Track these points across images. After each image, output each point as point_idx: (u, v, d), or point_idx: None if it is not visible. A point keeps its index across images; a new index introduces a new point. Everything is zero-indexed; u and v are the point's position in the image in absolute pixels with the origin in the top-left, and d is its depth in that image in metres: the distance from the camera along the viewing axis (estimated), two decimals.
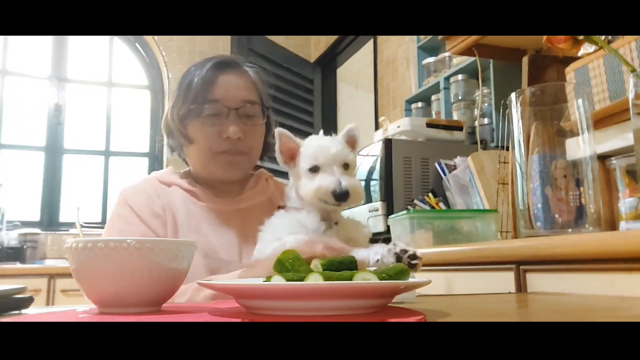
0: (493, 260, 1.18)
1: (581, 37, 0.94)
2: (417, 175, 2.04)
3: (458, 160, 1.98)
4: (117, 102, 3.99)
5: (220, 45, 3.92)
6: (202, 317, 0.53)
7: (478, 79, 2.15)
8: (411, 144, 2.08)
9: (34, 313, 0.61)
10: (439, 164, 2.01)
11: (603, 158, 1.18)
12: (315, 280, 0.52)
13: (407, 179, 2.03)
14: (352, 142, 0.89)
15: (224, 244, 1.01)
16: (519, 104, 1.19)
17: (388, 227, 1.82)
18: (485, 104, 2.22)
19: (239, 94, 1.03)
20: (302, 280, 0.53)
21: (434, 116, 2.54)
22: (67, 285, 2.93)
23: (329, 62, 4.04)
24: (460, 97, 2.35)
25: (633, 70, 0.89)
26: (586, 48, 1.28)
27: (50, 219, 3.67)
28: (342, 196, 0.80)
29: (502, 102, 1.32)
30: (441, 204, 1.96)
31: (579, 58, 1.28)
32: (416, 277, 0.71)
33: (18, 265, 3.15)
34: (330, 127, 3.95)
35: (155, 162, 3.96)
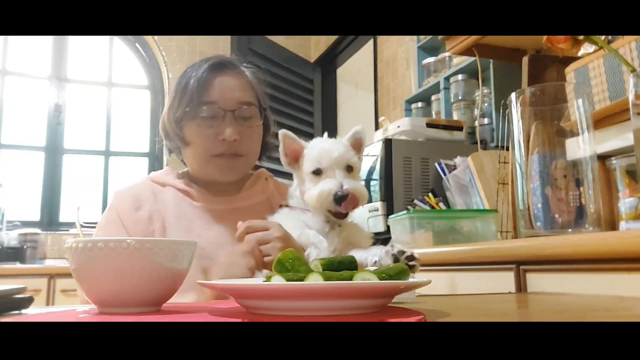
0: (493, 260, 1.18)
1: (581, 37, 0.94)
2: (417, 175, 2.04)
3: (458, 160, 1.98)
4: (117, 102, 3.99)
5: (220, 45, 3.92)
6: (202, 317, 0.53)
7: (478, 79, 2.15)
8: (411, 144, 2.08)
9: (34, 313, 0.61)
10: (439, 164, 2.01)
11: (603, 158, 1.18)
12: (315, 280, 0.52)
13: (407, 179, 2.03)
14: (358, 145, 0.89)
15: (218, 244, 1.00)
16: (519, 104, 1.19)
17: (388, 227, 1.82)
18: (485, 104, 2.22)
19: (235, 96, 1.03)
20: (302, 280, 0.53)
21: (434, 116, 2.54)
22: (67, 285, 2.93)
23: (329, 62, 4.04)
24: (460, 97, 2.35)
25: (633, 70, 0.89)
26: (586, 48, 1.28)
27: (50, 219, 3.67)
28: (343, 198, 0.79)
29: (502, 102, 1.32)
30: (441, 204, 1.96)
31: (579, 58, 1.28)
32: (416, 277, 0.71)
33: (18, 265, 3.15)
34: (330, 127, 3.95)
35: (155, 162, 3.96)
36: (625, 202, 1.11)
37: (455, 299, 0.82)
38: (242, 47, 3.47)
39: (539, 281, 1.07)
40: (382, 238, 1.88)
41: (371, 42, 3.38)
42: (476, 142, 2.09)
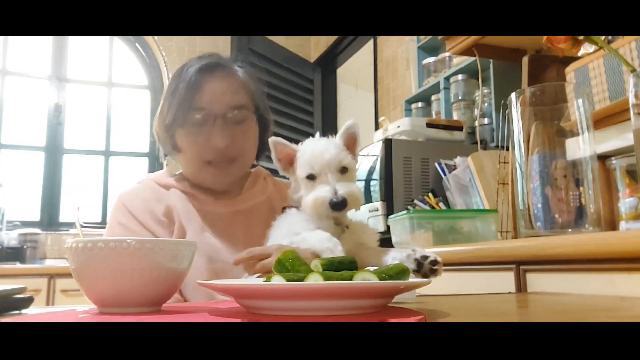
0: (493, 260, 1.18)
1: (581, 37, 0.94)
2: (417, 175, 2.04)
3: (458, 160, 1.98)
4: (117, 102, 3.99)
5: (220, 45, 3.92)
6: (202, 317, 0.53)
7: (478, 79, 2.15)
8: (411, 144, 2.08)
9: (34, 313, 0.61)
10: (439, 164, 2.01)
11: (603, 158, 1.18)
12: (315, 280, 0.52)
13: (407, 179, 2.03)
14: (351, 141, 0.85)
15: (227, 247, 0.99)
16: (519, 104, 1.19)
17: (388, 227, 1.82)
18: (485, 104, 2.22)
19: (225, 100, 0.99)
20: (302, 280, 0.53)
21: (434, 116, 2.54)
22: (67, 285, 2.93)
23: (329, 62, 4.04)
24: (460, 97, 2.35)
25: (633, 70, 0.89)
26: (586, 48, 1.28)
27: (50, 219, 3.67)
28: (338, 205, 0.77)
29: (502, 102, 1.32)
30: (441, 204, 1.96)
31: (579, 58, 1.28)
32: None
33: (18, 265, 3.15)
34: (330, 127, 3.95)
35: (155, 162, 3.96)
36: (625, 202, 1.11)
37: (455, 299, 0.83)
38: (242, 47, 3.47)
39: (539, 281, 1.07)
40: (382, 238, 1.88)
41: (371, 42, 3.38)
42: (476, 142, 2.09)
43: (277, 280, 0.53)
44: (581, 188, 1.12)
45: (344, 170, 0.82)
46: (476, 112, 2.25)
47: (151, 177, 1.09)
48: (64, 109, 3.82)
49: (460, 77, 2.35)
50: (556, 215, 1.14)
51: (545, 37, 0.94)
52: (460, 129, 2.20)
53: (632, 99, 0.88)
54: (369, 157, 2.13)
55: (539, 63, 1.65)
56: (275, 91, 3.54)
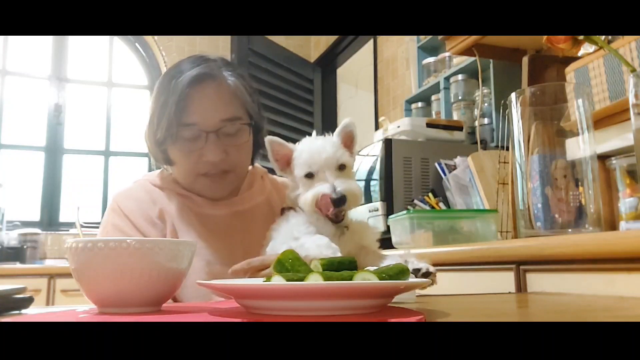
0: (493, 260, 1.18)
1: (581, 37, 0.94)
2: (417, 175, 2.04)
3: (458, 160, 1.98)
4: (117, 102, 3.99)
5: (220, 45, 3.91)
6: (202, 317, 0.53)
7: (478, 79, 2.15)
8: (411, 144, 2.08)
9: (34, 313, 0.61)
10: (439, 164, 2.01)
11: (603, 158, 1.18)
12: (315, 280, 0.52)
13: (407, 179, 2.03)
14: (348, 139, 0.85)
15: (224, 250, 0.99)
16: (519, 104, 1.19)
17: (388, 227, 1.82)
18: (485, 104, 2.22)
19: (217, 115, 0.95)
20: (302, 280, 0.53)
21: (434, 116, 2.54)
22: (67, 285, 2.93)
23: (329, 62, 4.04)
24: (460, 97, 2.35)
25: (633, 70, 0.89)
26: (586, 48, 1.28)
27: (50, 219, 3.67)
28: (338, 201, 0.77)
29: (502, 102, 1.32)
30: (441, 204, 1.96)
31: (579, 58, 1.28)
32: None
33: (18, 265, 3.15)
34: (330, 127, 3.93)
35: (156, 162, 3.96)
36: (625, 202, 1.11)
37: (455, 299, 0.83)
38: (242, 47, 3.47)
39: (539, 281, 1.07)
40: (382, 238, 1.88)
41: (371, 42, 3.38)
42: (476, 142, 2.09)
43: (277, 280, 0.53)
44: (581, 188, 1.12)
45: (342, 167, 0.81)
46: (476, 112, 2.25)
47: (147, 177, 1.08)
48: (64, 109, 3.82)
49: (460, 77, 2.36)
50: (556, 215, 1.14)
51: (545, 37, 0.94)
52: (460, 129, 2.20)
53: (632, 99, 0.88)
54: (369, 157, 2.13)
55: (539, 63, 1.65)
56: (275, 91, 3.54)
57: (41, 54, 3.82)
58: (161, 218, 1.00)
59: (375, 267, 0.66)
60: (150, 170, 3.91)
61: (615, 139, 1.15)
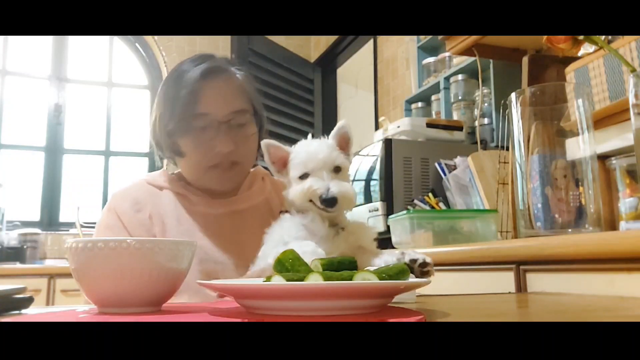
0: (493, 260, 1.18)
1: (581, 37, 0.94)
2: (417, 175, 2.04)
3: (458, 160, 1.98)
4: (117, 102, 3.99)
5: (220, 45, 3.91)
6: (202, 317, 0.53)
7: (478, 79, 2.15)
8: (411, 144, 2.08)
9: (34, 313, 0.61)
10: (439, 164, 2.01)
11: (603, 158, 1.18)
12: (315, 280, 0.52)
13: (407, 179, 2.03)
14: (344, 141, 0.84)
15: (219, 248, 0.99)
16: (519, 104, 1.19)
17: (388, 227, 1.82)
18: (485, 104, 2.22)
19: (227, 106, 0.98)
20: (302, 280, 0.53)
21: (434, 116, 2.54)
22: (67, 285, 2.93)
23: (329, 62, 4.04)
24: (460, 97, 2.35)
25: (633, 70, 0.89)
26: (586, 48, 1.28)
27: (50, 219, 3.68)
28: (329, 202, 0.76)
29: (502, 102, 1.32)
30: (441, 204, 1.96)
31: (579, 58, 1.28)
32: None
33: (18, 265, 3.15)
34: (330, 127, 3.90)
35: (155, 163, 3.96)
36: (625, 202, 1.11)
37: (455, 299, 0.82)
38: (242, 47, 3.47)
39: (539, 281, 1.07)
40: (382, 238, 1.88)
41: (371, 42, 3.38)
42: (476, 142, 2.09)
43: (277, 280, 0.53)
44: (581, 188, 1.12)
45: (337, 169, 0.81)
46: (476, 112, 2.25)
47: (145, 178, 1.09)
48: (64, 109, 3.82)
49: (460, 77, 2.36)
50: (556, 215, 1.14)
51: (545, 37, 0.94)
52: (460, 129, 2.20)
53: (632, 99, 0.88)
54: (369, 157, 2.13)
55: (539, 63, 1.65)
56: (275, 91, 3.54)
57: (41, 54, 3.82)
58: (151, 218, 1.01)
59: (375, 267, 0.67)
60: (150, 170, 3.92)
61: (615, 139, 1.15)
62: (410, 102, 2.78)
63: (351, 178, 2.24)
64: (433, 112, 2.57)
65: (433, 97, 2.58)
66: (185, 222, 1.01)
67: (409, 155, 2.04)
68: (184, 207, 1.03)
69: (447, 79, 2.42)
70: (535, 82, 1.56)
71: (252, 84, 1.05)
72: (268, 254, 0.80)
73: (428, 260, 0.73)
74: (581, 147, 1.12)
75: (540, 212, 1.16)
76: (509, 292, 1.09)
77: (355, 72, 3.73)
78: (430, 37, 2.62)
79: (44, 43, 3.84)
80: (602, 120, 1.17)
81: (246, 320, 0.48)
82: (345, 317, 0.49)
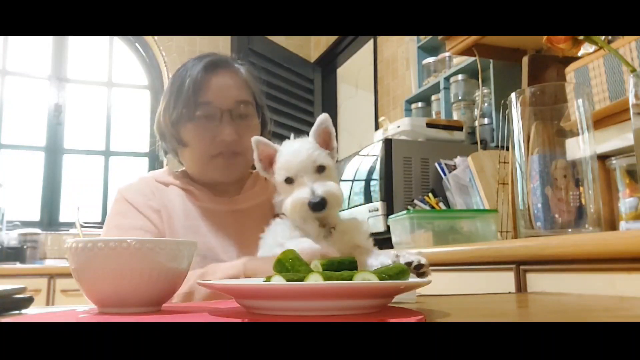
0: (493, 260, 1.18)
1: (581, 37, 0.94)
2: (417, 175, 2.04)
3: (458, 160, 1.98)
4: (117, 102, 3.99)
5: (220, 45, 3.92)
6: (202, 317, 0.53)
7: (478, 79, 2.15)
8: (411, 144, 2.08)
9: (34, 313, 0.61)
10: (439, 164, 2.01)
11: (603, 158, 1.18)
12: (315, 280, 0.52)
13: (407, 179, 2.03)
14: (326, 136, 0.82)
15: (222, 245, 1.00)
16: (519, 104, 1.19)
17: (388, 227, 1.82)
18: (485, 104, 2.22)
19: (231, 95, 1.02)
20: (302, 280, 0.53)
21: (434, 116, 2.54)
22: (67, 285, 2.93)
23: (329, 62, 4.04)
24: (460, 97, 2.35)
25: (633, 70, 0.89)
26: (586, 48, 1.28)
27: (50, 219, 3.67)
28: (318, 205, 0.75)
29: (502, 102, 1.32)
30: (441, 204, 1.96)
31: (579, 58, 1.28)
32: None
33: (18, 265, 3.15)
34: None
35: (155, 162, 3.96)
36: (625, 202, 1.11)
37: (455, 299, 0.82)
38: (242, 47, 3.47)
39: (539, 281, 1.07)
40: (382, 238, 1.88)
41: (371, 42, 3.38)
42: (476, 142, 2.09)
43: (277, 280, 0.53)
44: (581, 188, 1.12)
45: (321, 169, 0.79)
46: (476, 112, 2.25)
47: (151, 174, 1.11)
48: (64, 109, 3.82)
49: (460, 77, 2.36)
50: (556, 215, 1.14)
51: (545, 37, 0.94)
52: (460, 129, 2.20)
53: (632, 99, 0.88)
54: (368, 157, 2.13)
55: (539, 63, 1.65)
56: (275, 91, 3.53)
57: (41, 54, 3.82)
58: (160, 210, 1.02)
59: (375, 267, 0.66)
60: (150, 170, 3.91)
61: (615, 139, 1.15)
62: (410, 102, 2.78)
63: (351, 178, 2.25)
64: (433, 112, 2.57)
65: (433, 97, 2.58)
66: (191, 217, 1.02)
67: (409, 155, 2.04)
68: (190, 202, 1.04)
69: (447, 79, 2.42)
70: (535, 82, 1.56)
71: (255, 79, 1.09)
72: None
73: (423, 261, 0.73)
74: (581, 147, 1.12)
75: (540, 212, 1.16)
76: (509, 292, 1.09)
77: (355, 72, 3.73)
78: (430, 37, 2.62)
79: (44, 43, 3.84)
80: (602, 120, 1.18)
81: (246, 320, 0.48)
82: (345, 317, 0.49)
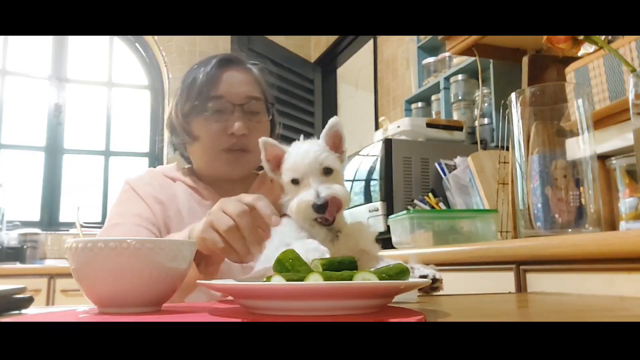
0: (493, 260, 1.18)
1: (581, 37, 0.94)
2: (417, 175, 2.04)
3: (458, 160, 1.98)
4: (117, 102, 3.99)
5: (220, 45, 3.92)
6: (202, 317, 0.53)
7: (478, 79, 2.15)
8: (411, 144, 2.08)
9: (34, 313, 0.61)
10: (439, 164, 2.01)
11: (603, 158, 1.18)
12: (315, 280, 0.52)
13: (407, 179, 2.03)
14: (336, 140, 0.82)
15: None
16: (519, 104, 1.19)
17: (388, 227, 1.82)
18: (485, 104, 2.22)
19: (243, 90, 1.03)
20: (302, 280, 0.53)
21: (434, 116, 2.54)
22: (67, 285, 2.93)
23: (329, 62, 4.04)
24: (460, 97, 2.35)
25: (633, 70, 0.89)
26: (586, 48, 1.28)
27: (50, 219, 3.68)
28: (322, 208, 0.75)
29: (502, 102, 1.32)
30: (441, 204, 1.96)
31: (579, 58, 1.28)
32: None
33: (18, 265, 3.15)
34: None
35: (155, 162, 3.97)
36: (625, 202, 1.11)
37: (455, 299, 0.82)
38: (242, 47, 3.47)
39: (539, 281, 1.07)
40: (382, 238, 1.88)
41: (371, 42, 3.38)
42: (476, 142, 2.09)
43: (277, 280, 0.53)
44: (581, 188, 1.12)
45: (328, 171, 0.79)
46: (476, 112, 2.25)
47: (160, 168, 1.12)
48: (64, 109, 3.82)
49: (460, 77, 2.36)
50: (556, 215, 1.14)
51: (545, 37, 0.94)
52: (460, 129, 2.20)
53: (632, 99, 0.88)
54: (368, 157, 2.13)
55: (539, 63, 1.65)
56: (276, 91, 3.53)
57: (41, 54, 3.82)
58: (167, 203, 1.03)
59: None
60: None
61: (615, 139, 1.15)
62: (410, 102, 2.78)
63: (351, 178, 2.25)
64: (433, 112, 2.57)
65: (433, 97, 2.58)
66: (196, 215, 1.02)
67: (409, 155, 2.04)
68: (195, 200, 1.05)
69: (447, 79, 2.42)
70: (535, 82, 1.56)
71: (265, 78, 1.11)
72: (272, 258, 0.80)
73: (438, 276, 0.73)
74: (581, 147, 1.12)
75: (540, 212, 1.16)
76: (509, 292, 1.09)
77: (355, 72, 3.73)
78: (430, 37, 2.62)
79: (44, 43, 3.84)
80: (602, 120, 1.17)
81: (246, 320, 0.48)
82: (345, 317, 0.49)
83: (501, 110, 1.71)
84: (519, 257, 1.10)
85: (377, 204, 2.00)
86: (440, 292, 0.78)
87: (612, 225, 1.19)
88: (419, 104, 2.70)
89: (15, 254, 3.24)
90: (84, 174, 3.83)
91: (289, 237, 0.79)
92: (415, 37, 2.76)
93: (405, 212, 1.68)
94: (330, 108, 4.00)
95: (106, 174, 3.86)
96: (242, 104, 1.02)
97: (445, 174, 1.98)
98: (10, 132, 3.69)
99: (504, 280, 1.13)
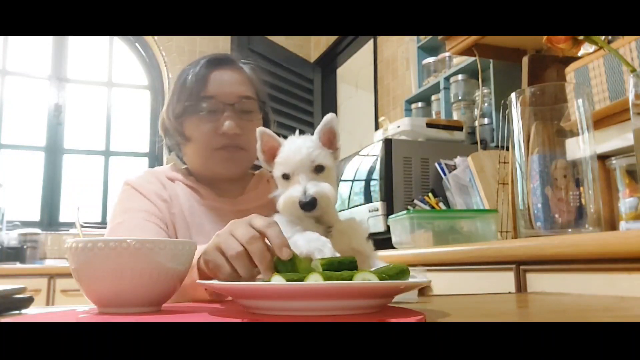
0: (493, 260, 1.18)
1: (581, 37, 0.94)
2: (417, 175, 2.04)
3: (458, 160, 1.98)
4: (117, 102, 3.99)
5: (220, 45, 3.92)
6: (202, 317, 0.53)
7: (478, 79, 2.15)
8: (411, 144, 2.08)
9: (34, 313, 0.61)
10: (439, 164, 2.01)
11: (603, 158, 1.18)
12: (315, 280, 0.52)
13: (407, 179, 2.03)
14: (330, 136, 0.82)
15: None
16: (519, 104, 1.19)
17: (388, 227, 1.82)
18: (485, 104, 2.22)
19: (234, 90, 1.03)
20: (302, 280, 0.53)
21: (434, 116, 2.54)
22: (67, 285, 2.93)
23: (329, 62, 4.04)
24: (460, 97, 2.35)
25: (633, 70, 0.89)
26: (586, 48, 1.28)
27: (50, 219, 3.67)
28: (308, 205, 0.75)
29: (502, 102, 1.32)
30: (441, 204, 1.96)
31: (579, 58, 1.28)
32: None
33: (18, 265, 3.15)
34: None
35: (155, 162, 3.97)
36: (625, 202, 1.11)
37: (455, 299, 0.82)
38: (242, 47, 3.47)
39: (539, 281, 1.07)
40: (382, 238, 1.88)
41: (371, 42, 3.38)
42: (476, 142, 2.09)
43: (277, 280, 0.53)
44: (581, 188, 1.12)
45: (319, 169, 0.79)
46: (476, 112, 2.25)
47: (159, 168, 1.12)
48: (64, 109, 3.82)
49: (460, 77, 2.36)
50: (556, 215, 1.14)
51: (545, 37, 0.94)
52: (460, 129, 2.20)
53: (632, 99, 0.88)
54: (368, 157, 2.13)
55: (539, 63, 1.65)
56: (275, 91, 3.53)
57: (41, 54, 3.82)
58: (170, 199, 1.03)
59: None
60: None
61: (615, 139, 1.15)
62: (410, 102, 2.78)
63: (351, 178, 2.25)
64: (433, 112, 2.57)
65: (433, 97, 2.58)
66: (196, 214, 1.02)
67: (409, 155, 2.04)
68: (195, 200, 1.05)
69: (447, 79, 2.42)
70: (535, 82, 1.56)
71: (258, 76, 1.10)
72: None
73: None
74: (581, 147, 1.12)
75: (540, 212, 1.16)
76: (509, 292, 1.09)
77: (355, 72, 3.73)
78: (430, 37, 2.62)
79: (44, 43, 3.84)
80: (602, 120, 1.18)
81: (246, 320, 0.48)
82: (345, 317, 0.49)
83: (501, 110, 1.71)
84: (519, 257, 1.10)
85: (377, 204, 2.00)
86: (432, 293, 0.78)
87: (612, 225, 1.19)
88: (419, 104, 2.70)
89: (15, 254, 3.24)
90: (84, 174, 3.83)
91: (286, 231, 0.79)
92: (415, 37, 2.76)
93: (405, 212, 1.68)
94: (330, 108, 4.00)
95: (106, 174, 3.86)
96: (233, 104, 1.02)
97: (445, 174, 1.98)
98: (10, 132, 3.69)
99: (504, 280, 1.13)
